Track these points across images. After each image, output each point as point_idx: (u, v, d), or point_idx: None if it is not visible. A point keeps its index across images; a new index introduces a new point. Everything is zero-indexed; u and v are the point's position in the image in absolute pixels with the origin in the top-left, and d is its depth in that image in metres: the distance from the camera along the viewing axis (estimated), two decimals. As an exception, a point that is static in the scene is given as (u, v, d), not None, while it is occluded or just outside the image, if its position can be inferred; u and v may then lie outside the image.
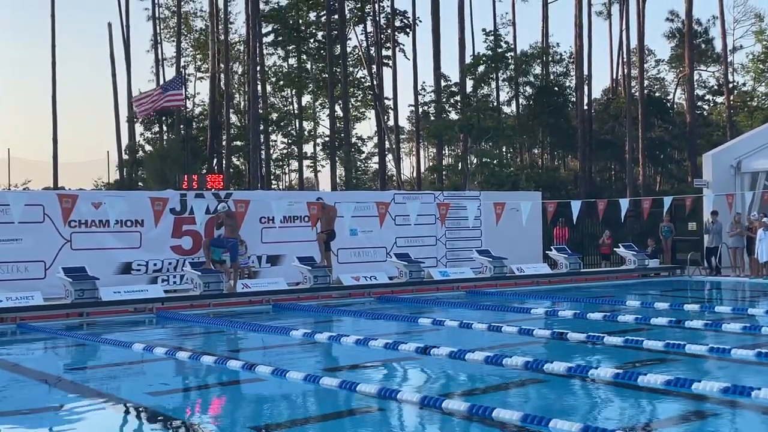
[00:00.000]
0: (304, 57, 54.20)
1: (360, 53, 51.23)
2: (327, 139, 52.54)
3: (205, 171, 43.51)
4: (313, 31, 52.94)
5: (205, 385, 10.44)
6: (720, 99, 56.92)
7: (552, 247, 24.64)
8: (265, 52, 51.83)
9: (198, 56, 58.03)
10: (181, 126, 48.47)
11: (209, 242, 19.63)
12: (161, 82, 48.81)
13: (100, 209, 19.03)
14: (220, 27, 48.84)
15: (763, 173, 26.23)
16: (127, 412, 8.80)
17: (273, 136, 54.15)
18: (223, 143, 48.39)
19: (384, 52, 51.26)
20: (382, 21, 51.98)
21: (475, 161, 41.33)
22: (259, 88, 47.15)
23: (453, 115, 46.64)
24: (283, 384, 9.69)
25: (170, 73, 52.63)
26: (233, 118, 52.04)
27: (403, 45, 51.88)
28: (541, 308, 16.57)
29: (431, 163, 62.70)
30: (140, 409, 8.78)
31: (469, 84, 44.37)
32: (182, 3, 53.94)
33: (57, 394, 9.85)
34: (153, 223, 19.25)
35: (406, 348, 11.55)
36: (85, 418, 8.56)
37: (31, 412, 8.82)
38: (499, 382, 9.92)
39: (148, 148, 50.34)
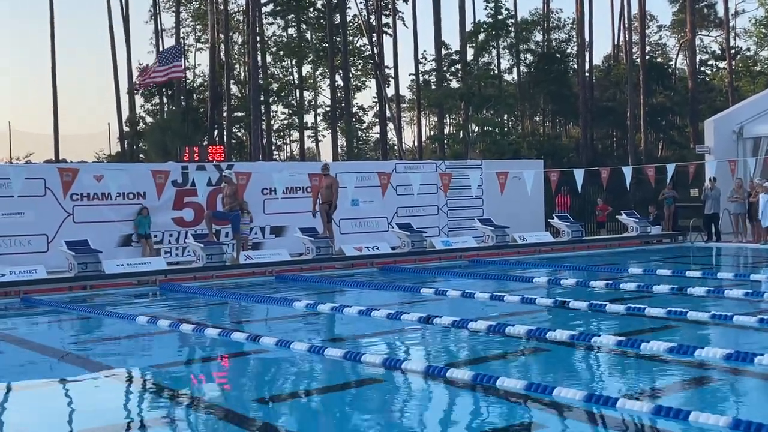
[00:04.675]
0: (304, 26, 53.91)
1: (360, 22, 50.93)
2: (328, 108, 52.41)
3: (206, 142, 43.45)
4: (313, 0, 52.63)
5: (209, 357, 10.49)
6: (722, 64, 56.61)
7: (554, 216, 24.63)
8: (264, 21, 51.55)
9: (198, 27, 57.78)
10: (182, 97, 48.34)
11: (211, 214, 19.65)
12: (161, 53, 48.57)
13: (101, 182, 19.04)
14: (219, -3, 48.53)
15: (765, 138, 26.13)
16: (131, 384, 8.85)
17: (274, 107, 54.01)
18: (224, 114, 48.28)
19: (384, 20, 50.99)
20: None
21: (476, 130, 41.24)
22: (259, 58, 46.96)
23: (454, 84, 46.47)
24: (288, 355, 9.73)
25: (170, 44, 52.37)
26: (233, 89, 51.91)
27: (403, 13, 51.72)
28: (543, 277, 16.59)
29: (432, 132, 62.58)
30: (145, 381, 8.82)
31: (470, 52, 44.18)
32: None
33: (62, 367, 9.90)
34: (156, 196, 19.26)
35: (409, 318, 11.59)
36: (91, 391, 8.61)
37: (36, 386, 8.88)
38: (503, 351, 9.96)
39: (148, 119, 50.27)
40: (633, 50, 52.42)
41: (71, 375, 9.34)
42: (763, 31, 52.35)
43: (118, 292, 16.65)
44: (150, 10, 54.26)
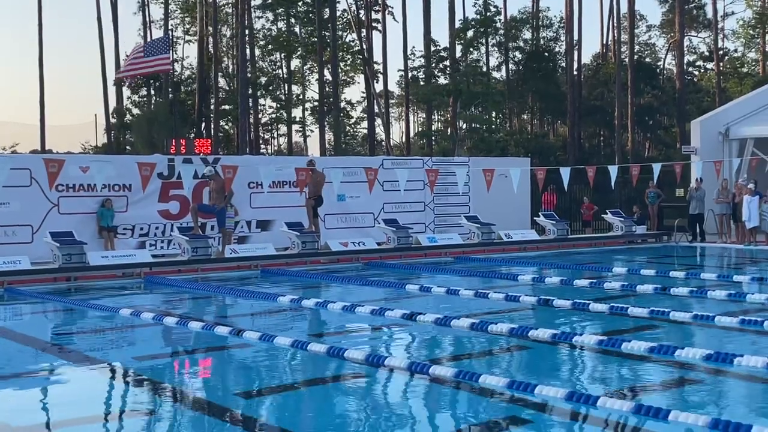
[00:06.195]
0: (293, 20, 53.80)
1: (349, 16, 50.88)
2: (316, 103, 52.34)
3: (193, 135, 43.34)
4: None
5: (192, 351, 10.47)
6: (710, 65, 56.84)
7: (540, 213, 24.70)
8: (253, 15, 51.40)
9: (186, 19, 57.57)
10: (169, 89, 48.19)
11: (197, 207, 19.61)
12: (149, 45, 48.38)
13: (87, 173, 18.98)
14: (208, -11, 48.37)
15: (750, 140, 26.28)
16: (114, 377, 8.83)
17: (262, 101, 53.93)
18: (212, 107, 48.15)
19: (373, 15, 50.95)
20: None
21: (464, 126, 41.28)
22: (248, 51, 46.84)
23: (442, 80, 46.52)
24: (271, 349, 9.73)
25: (158, 35, 52.18)
26: (222, 82, 51.78)
27: (392, 8, 51.67)
28: (528, 275, 16.64)
29: (420, 128, 62.59)
30: (127, 373, 8.80)
31: (459, 49, 44.22)
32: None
33: (44, 358, 9.86)
34: (140, 188, 19.20)
35: (393, 314, 11.60)
36: (72, 383, 8.58)
37: (17, 376, 8.84)
38: (485, 348, 9.98)
39: (135, 111, 50.09)
40: (622, 50, 52.54)
41: (53, 367, 9.30)
42: (751, 32, 52.60)
43: (102, 284, 16.60)
44: (138, 2, 54.07)
